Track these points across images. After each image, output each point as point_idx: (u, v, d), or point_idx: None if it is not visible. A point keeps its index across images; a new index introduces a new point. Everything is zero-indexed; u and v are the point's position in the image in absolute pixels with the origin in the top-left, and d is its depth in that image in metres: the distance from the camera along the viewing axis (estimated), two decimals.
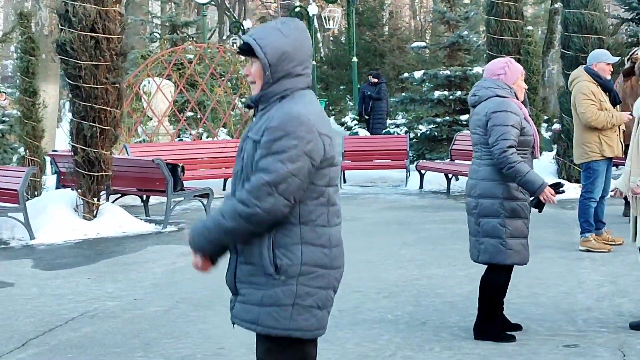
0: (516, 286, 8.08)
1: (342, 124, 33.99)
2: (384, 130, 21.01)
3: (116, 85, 11.55)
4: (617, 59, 10.24)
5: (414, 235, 11.10)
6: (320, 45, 53.85)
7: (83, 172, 11.61)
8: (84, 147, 11.53)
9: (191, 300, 8.01)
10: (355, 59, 35.68)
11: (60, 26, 11.49)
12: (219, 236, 3.62)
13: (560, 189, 6.26)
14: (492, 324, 6.48)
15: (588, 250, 9.65)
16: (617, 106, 9.84)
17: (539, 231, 11.03)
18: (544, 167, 14.76)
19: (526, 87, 6.60)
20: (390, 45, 41.84)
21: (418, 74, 18.64)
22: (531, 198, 6.29)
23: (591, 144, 9.67)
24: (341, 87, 42.46)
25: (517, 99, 6.39)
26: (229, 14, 63.79)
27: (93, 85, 11.37)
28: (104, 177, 11.71)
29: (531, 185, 6.17)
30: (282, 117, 3.55)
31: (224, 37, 56.16)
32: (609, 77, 9.82)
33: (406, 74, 19.15)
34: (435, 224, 11.85)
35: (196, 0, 26.08)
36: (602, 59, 9.80)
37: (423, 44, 24.29)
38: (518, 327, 6.64)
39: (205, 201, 12.46)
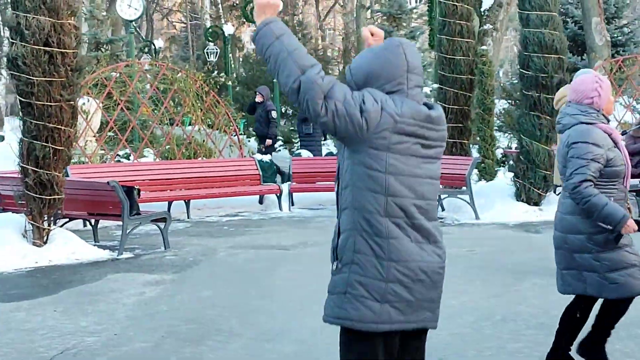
0: (521, 315, 7.77)
1: None
2: (326, 152, 20.50)
3: (71, 102, 10.84)
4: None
5: None
6: (233, 65, 53.28)
7: (34, 195, 10.85)
8: (36, 169, 10.78)
9: (178, 334, 7.40)
10: (275, 79, 35.23)
11: (11, 39, 10.73)
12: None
13: None
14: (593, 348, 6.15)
15: None
16: None
17: (517, 256, 10.79)
18: (502, 189, 14.54)
19: (612, 99, 6.12)
20: None
21: None
22: (610, 229, 5.67)
23: None
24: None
25: (606, 116, 5.93)
26: (135, 33, 62.93)
27: (46, 103, 10.64)
28: (57, 200, 10.97)
29: (612, 219, 5.59)
30: None
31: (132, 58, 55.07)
32: None
33: None
34: None
35: (123, 17, 25.29)
36: None
37: None
38: None
39: (162, 225, 11.79)
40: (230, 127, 17.49)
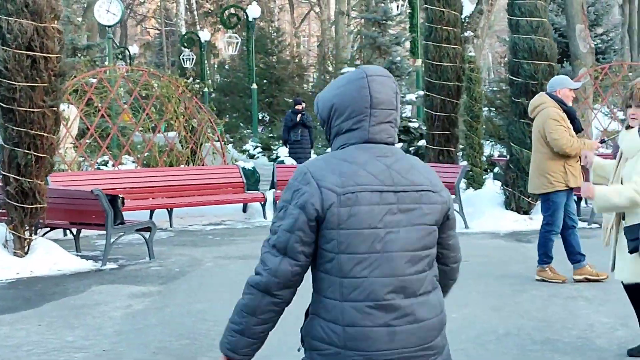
0: (524, 329, 7.54)
1: (243, 152, 33.19)
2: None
3: (54, 108, 10.52)
4: (579, 84, 10.02)
5: None
6: (209, 72, 53.00)
7: (15, 204, 10.51)
8: (17, 177, 10.44)
9: (170, 350, 7.12)
10: (255, 85, 35.08)
11: None
12: (242, 320, 3.23)
13: None
14: None
15: (543, 280, 9.44)
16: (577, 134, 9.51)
17: (511, 267, 10.56)
18: (492, 197, 14.33)
19: None
20: (289, 72, 41.35)
21: None
22: None
23: (556, 173, 9.29)
24: (234, 115, 41.62)
25: None
26: (109, 39, 62.37)
27: (29, 109, 10.31)
28: (39, 209, 10.63)
29: None
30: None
31: (106, 63, 54.65)
32: (571, 103, 9.48)
33: None
34: None
35: (101, 23, 24.95)
36: (565, 85, 9.50)
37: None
38: None
39: (146, 235, 11.47)
40: (213, 134, 17.20)
